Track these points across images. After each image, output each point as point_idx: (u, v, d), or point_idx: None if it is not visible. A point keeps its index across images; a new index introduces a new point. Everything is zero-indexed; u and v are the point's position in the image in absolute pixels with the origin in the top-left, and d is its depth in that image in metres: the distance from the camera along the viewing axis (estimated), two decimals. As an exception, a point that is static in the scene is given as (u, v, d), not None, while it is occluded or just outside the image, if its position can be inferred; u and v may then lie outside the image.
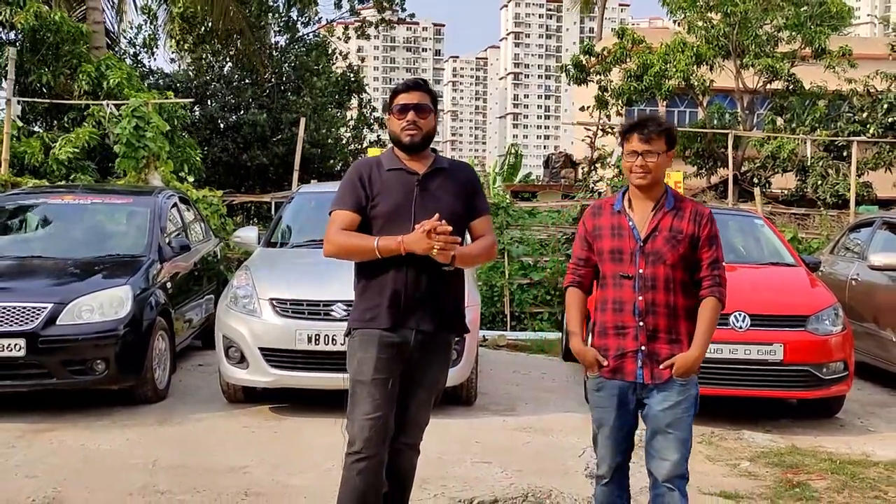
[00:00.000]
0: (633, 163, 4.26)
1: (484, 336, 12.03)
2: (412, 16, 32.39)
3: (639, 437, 4.38)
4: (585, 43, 30.30)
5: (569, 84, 29.10)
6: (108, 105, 14.78)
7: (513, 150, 36.04)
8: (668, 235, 4.25)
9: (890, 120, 22.22)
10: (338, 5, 29.14)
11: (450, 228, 4.12)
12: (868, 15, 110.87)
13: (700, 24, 24.93)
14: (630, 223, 4.30)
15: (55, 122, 17.41)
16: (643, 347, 4.23)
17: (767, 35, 24.62)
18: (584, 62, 27.42)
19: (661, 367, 4.22)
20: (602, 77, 26.82)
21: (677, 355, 4.21)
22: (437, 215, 4.13)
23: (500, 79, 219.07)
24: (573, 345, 4.43)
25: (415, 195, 4.30)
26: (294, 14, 27.81)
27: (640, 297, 4.22)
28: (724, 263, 4.36)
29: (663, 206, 4.30)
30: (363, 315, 4.32)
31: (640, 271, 4.23)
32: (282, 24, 27.58)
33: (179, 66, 26.23)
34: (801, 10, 24.53)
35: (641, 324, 4.23)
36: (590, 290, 4.47)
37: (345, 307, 7.31)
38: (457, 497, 5.88)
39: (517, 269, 14.25)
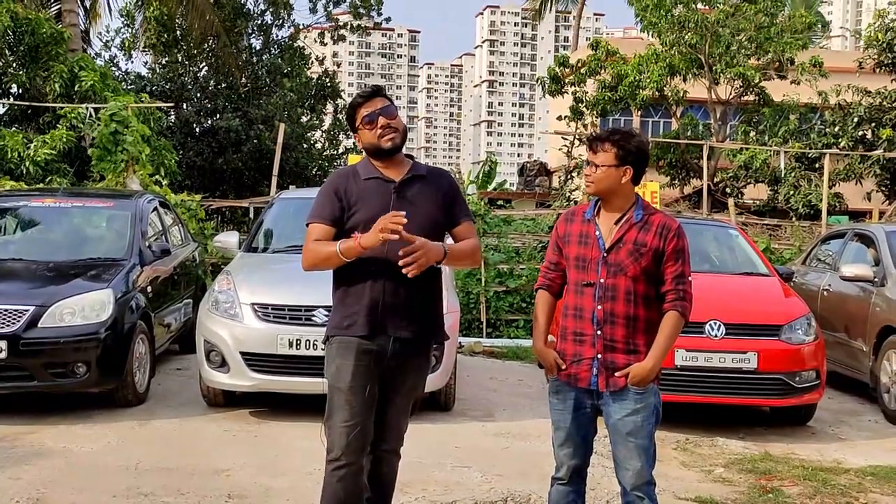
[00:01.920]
0: (585, 171, 4.40)
1: (460, 343, 12.09)
2: (388, 20, 32.41)
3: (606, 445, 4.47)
4: (561, 54, 30.48)
5: (544, 95, 29.24)
6: (87, 109, 14.72)
7: (489, 159, 36.16)
8: (631, 248, 4.28)
9: (860, 133, 22.50)
10: (313, 10, 29.15)
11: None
12: (840, 28, 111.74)
13: (671, 37, 25.13)
14: (597, 232, 4.35)
15: (31, 124, 17.27)
16: (599, 356, 4.27)
17: (739, 45, 24.86)
18: (559, 74, 27.57)
19: (617, 374, 4.26)
20: (577, 88, 26.98)
21: (633, 364, 4.24)
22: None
23: (475, 86, 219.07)
24: (535, 345, 4.50)
25: (392, 203, 4.27)
26: (268, 18, 27.80)
27: (600, 307, 4.27)
28: (690, 278, 4.38)
29: (630, 219, 4.34)
30: (341, 322, 4.32)
31: (601, 281, 4.28)
32: (255, 28, 27.53)
33: (155, 70, 26.12)
34: (770, 28, 24.77)
35: (599, 332, 4.27)
36: (559, 294, 4.54)
37: (326, 312, 7.34)
38: (438, 501, 5.96)
39: (493, 276, 14.34)
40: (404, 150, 4.45)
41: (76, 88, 16.13)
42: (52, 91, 16.15)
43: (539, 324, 4.51)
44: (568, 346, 4.37)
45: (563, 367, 4.35)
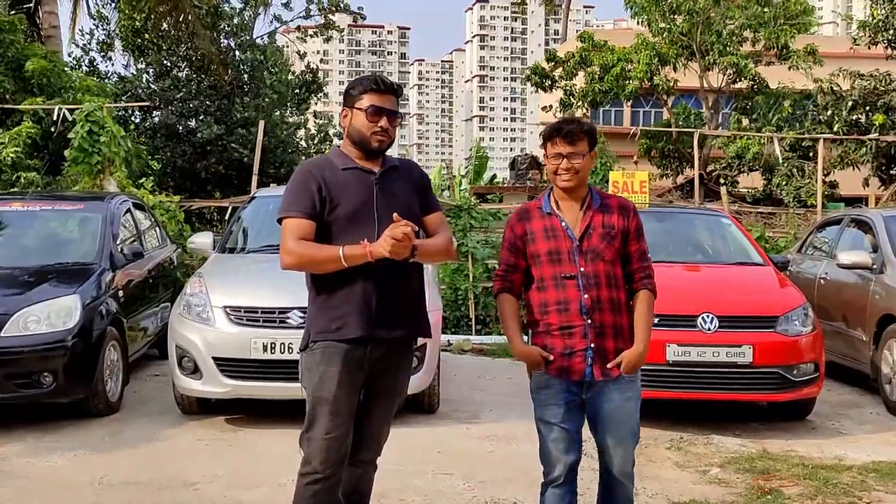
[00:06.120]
0: (559, 165, 4.27)
1: (448, 341, 11.83)
2: (363, 17, 32.11)
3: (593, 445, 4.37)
4: (549, 50, 30.31)
5: (534, 91, 29.11)
6: (61, 109, 14.36)
7: (478, 152, 35.85)
8: (602, 232, 4.28)
9: (853, 118, 22.22)
10: (287, 5, 28.82)
11: (415, 228, 3.98)
12: (832, 12, 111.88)
13: (662, 25, 24.90)
14: (562, 223, 4.31)
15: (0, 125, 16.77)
16: (592, 345, 4.22)
17: (731, 33, 24.62)
18: (547, 70, 27.40)
19: (608, 365, 4.22)
20: (567, 82, 26.80)
21: (624, 353, 4.23)
22: (395, 215, 3.92)
23: (466, 81, 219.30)
24: (514, 347, 4.41)
25: (374, 195, 4.12)
26: (247, 16, 27.39)
27: (586, 296, 4.22)
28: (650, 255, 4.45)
29: (591, 205, 4.34)
30: (328, 325, 4.05)
31: (582, 269, 4.24)
32: (234, 26, 27.12)
33: (137, 71, 25.73)
34: (764, 10, 24.52)
35: (589, 321, 4.22)
36: (520, 295, 4.46)
37: (301, 314, 7.05)
38: (417, 511, 5.67)
39: (481, 272, 14.03)
40: None
41: (22, 74, 15.56)
42: (7, 88, 15.62)
43: (512, 325, 4.42)
44: (555, 340, 4.27)
45: (552, 359, 4.25)
